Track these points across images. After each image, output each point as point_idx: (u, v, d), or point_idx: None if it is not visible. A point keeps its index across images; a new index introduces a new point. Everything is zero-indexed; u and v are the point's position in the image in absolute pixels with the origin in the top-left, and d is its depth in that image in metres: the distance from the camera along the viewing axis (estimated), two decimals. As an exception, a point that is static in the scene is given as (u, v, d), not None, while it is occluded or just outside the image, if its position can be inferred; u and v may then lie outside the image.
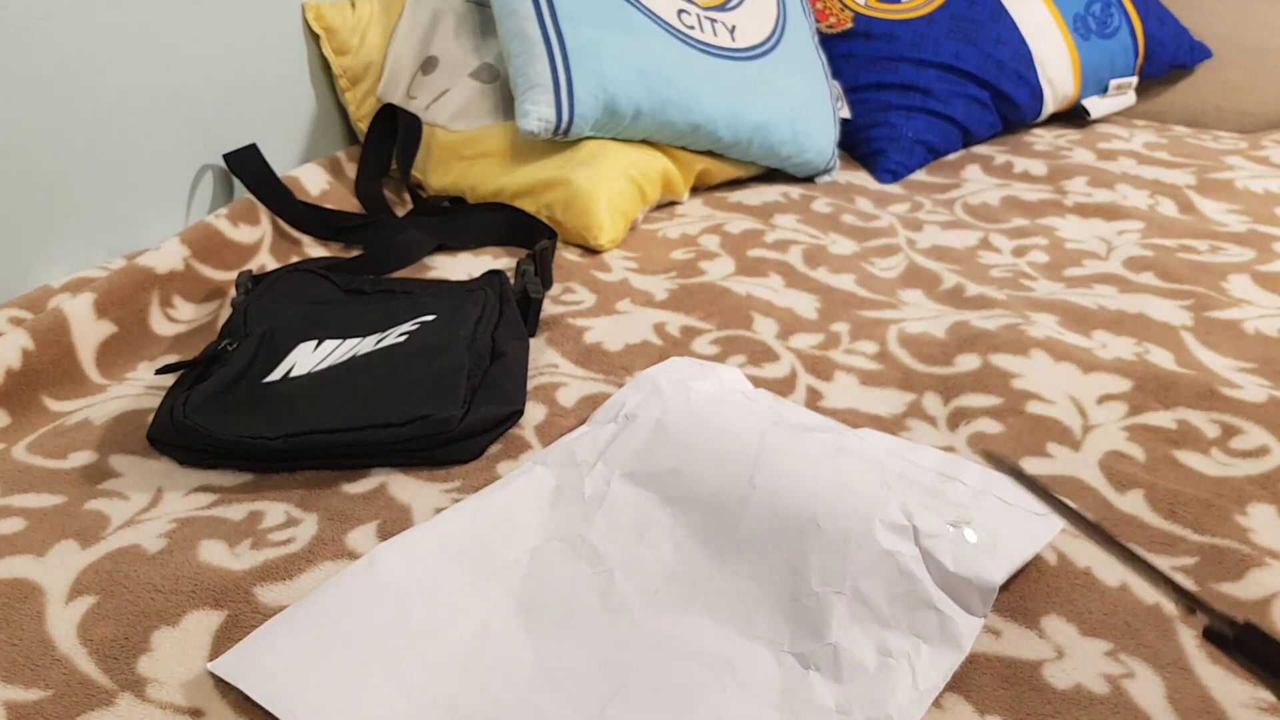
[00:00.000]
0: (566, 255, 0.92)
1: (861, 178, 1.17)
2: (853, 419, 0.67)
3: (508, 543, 0.53)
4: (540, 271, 0.83)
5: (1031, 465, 0.62)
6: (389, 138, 1.06)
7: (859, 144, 1.23)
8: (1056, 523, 0.54)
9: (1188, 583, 0.35)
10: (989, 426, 0.66)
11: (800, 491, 0.52)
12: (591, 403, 0.68)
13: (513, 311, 0.74)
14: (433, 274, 0.88)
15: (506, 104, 1.04)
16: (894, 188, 1.15)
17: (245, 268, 0.85)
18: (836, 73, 1.27)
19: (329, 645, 0.45)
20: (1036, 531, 0.53)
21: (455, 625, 0.47)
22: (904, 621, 0.47)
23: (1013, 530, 0.52)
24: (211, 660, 0.46)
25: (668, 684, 0.44)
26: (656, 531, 0.53)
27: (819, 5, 1.31)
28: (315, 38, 1.09)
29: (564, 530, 0.54)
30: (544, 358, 0.73)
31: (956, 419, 0.67)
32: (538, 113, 0.95)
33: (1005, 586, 0.51)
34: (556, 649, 0.46)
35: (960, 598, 0.48)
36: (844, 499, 0.51)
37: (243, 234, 0.88)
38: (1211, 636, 0.36)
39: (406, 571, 0.50)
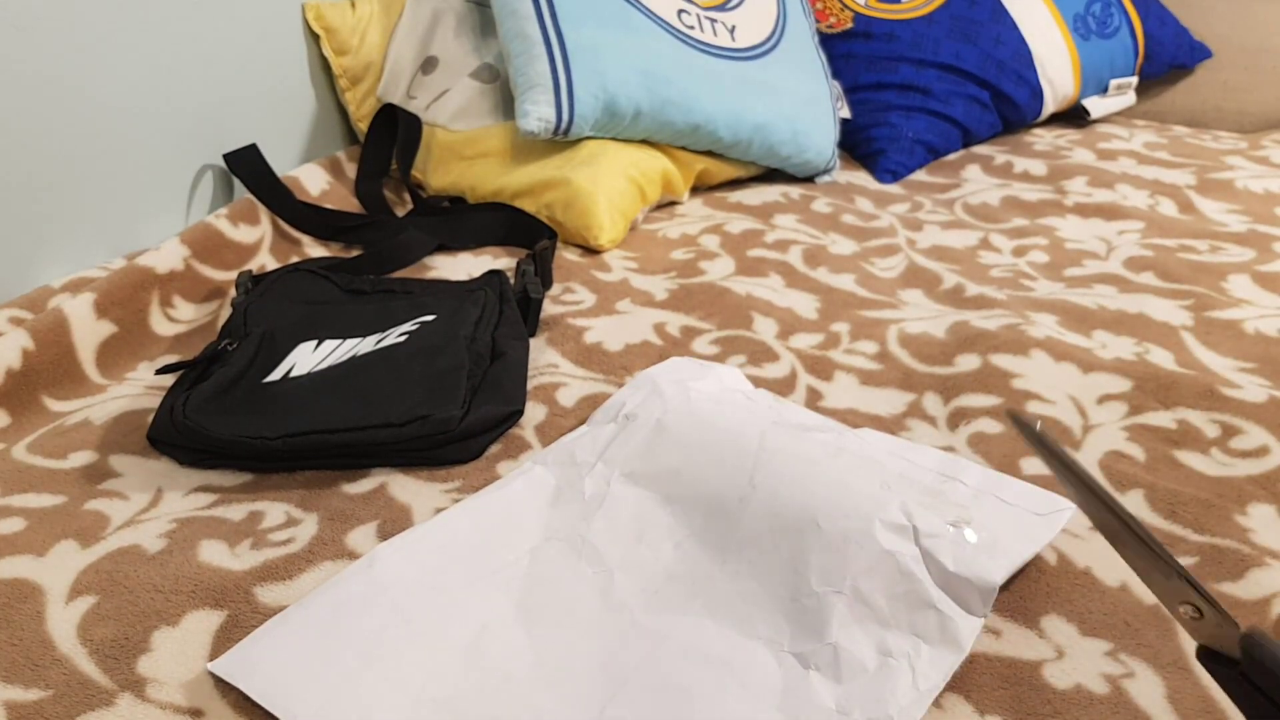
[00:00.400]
0: (566, 255, 0.92)
1: (861, 178, 1.17)
2: (853, 419, 0.67)
3: (508, 543, 0.53)
4: (540, 271, 0.83)
5: (1031, 465, 0.62)
6: (389, 138, 1.06)
7: (859, 144, 1.23)
8: (1057, 523, 0.54)
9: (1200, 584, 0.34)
10: (989, 426, 0.66)
11: (800, 491, 0.52)
12: (591, 403, 0.68)
13: (513, 311, 0.74)
14: (433, 274, 0.88)
15: (506, 104, 1.04)
16: (894, 188, 1.15)
17: (245, 268, 0.85)
18: (836, 73, 1.27)
19: (329, 645, 0.45)
20: (1036, 531, 0.53)
21: (455, 625, 0.47)
22: (904, 621, 0.47)
23: (1013, 530, 0.52)
24: (211, 660, 0.46)
25: (667, 684, 0.44)
26: (656, 531, 0.53)
27: (819, 5, 1.31)
28: (315, 38, 1.08)
29: (564, 530, 0.54)
30: (544, 358, 0.73)
31: (956, 419, 0.67)
32: (538, 113, 0.95)
33: (1005, 586, 0.51)
34: (556, 649, 0.46)
35: (960, 598, 0.48)
36: (844, 499, 0.51)
37: (243, 234, 0.88)
38: (1207, 658, 0.35)
39: (406, 572, 0.50)
